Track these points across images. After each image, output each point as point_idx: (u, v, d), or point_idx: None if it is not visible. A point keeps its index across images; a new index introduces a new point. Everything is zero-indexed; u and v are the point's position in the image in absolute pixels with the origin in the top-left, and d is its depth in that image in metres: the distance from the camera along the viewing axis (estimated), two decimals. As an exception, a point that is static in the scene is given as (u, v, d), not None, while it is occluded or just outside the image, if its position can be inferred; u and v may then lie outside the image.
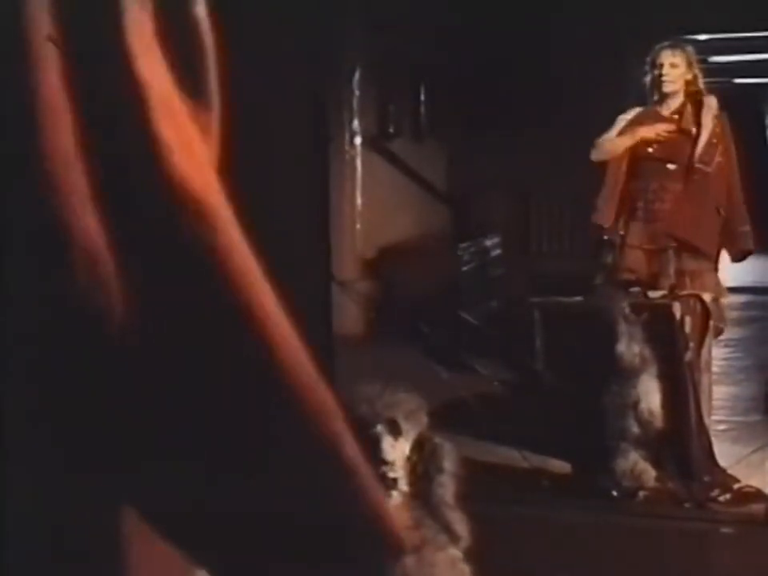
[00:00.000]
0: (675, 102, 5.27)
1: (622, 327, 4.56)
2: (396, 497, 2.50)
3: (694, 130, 5.21)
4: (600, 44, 8.45)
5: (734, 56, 10.62)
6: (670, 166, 5.23)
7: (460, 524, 2.55)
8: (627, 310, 4.59)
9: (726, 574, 4.16)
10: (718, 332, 5.23)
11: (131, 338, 1.38)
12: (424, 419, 2.57)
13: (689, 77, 5.26)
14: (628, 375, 4.56)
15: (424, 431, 2.56)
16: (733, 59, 10.63)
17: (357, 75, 8.16)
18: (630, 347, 4.56)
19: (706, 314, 5.00)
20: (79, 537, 1.44)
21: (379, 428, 2.48)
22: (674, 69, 5.21)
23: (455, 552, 2.54)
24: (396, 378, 2.66)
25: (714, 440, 4.85)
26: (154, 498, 1.44)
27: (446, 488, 2.54)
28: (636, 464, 4.51)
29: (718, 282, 5.26)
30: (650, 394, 4.56)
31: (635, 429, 4.54)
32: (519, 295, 6.52)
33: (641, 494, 4.53)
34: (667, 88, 5.24)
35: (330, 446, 1.43)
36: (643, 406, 4.54)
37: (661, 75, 5.21)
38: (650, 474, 4.54)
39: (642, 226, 5.23)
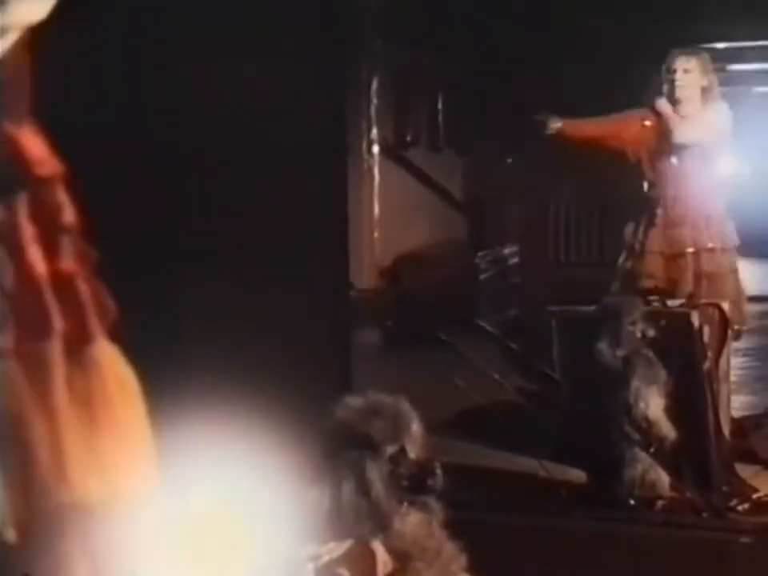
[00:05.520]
0: (689, 108, 5.29)
1: (610, 328, 4.55)
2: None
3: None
4: (616, 52, 8.44)
5: (753, 64, 10.58)
6: (685, 171, 5.28)
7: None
8: (636, 315, 4.58)
9: (745, 583, 4.15)
10: (737, 336, 5.24)
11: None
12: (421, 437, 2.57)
13: (704, 83, 5.28)
14: (615, 379, 4.54)
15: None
16: (751, 67, 10.60)
17: (375, 84, 8.17)
18: (613, 350, 4.54)
19: (724, 323, 5.00)
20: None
21: None
22: (688, 74, 5.25)
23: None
24: (411, 387, 2.67)
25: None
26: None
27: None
28: (647, 473, 4.48)
29: (738, 285, 5.29)
30: (645, 400, 4.52)
31: (635, 435, 4.50)
32: (537, 303, 6.51)
33: (659, 503, 4.51)
34: (680, 93, 5.27)
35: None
36: (637, 411, 4.51)
37: (674, 80, 5.24)
38: (663, 482, 4.51)
39: (661, 231, 5.29)
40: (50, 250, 1.44)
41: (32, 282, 1.41)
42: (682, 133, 5.26)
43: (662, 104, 5.31)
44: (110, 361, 1.49)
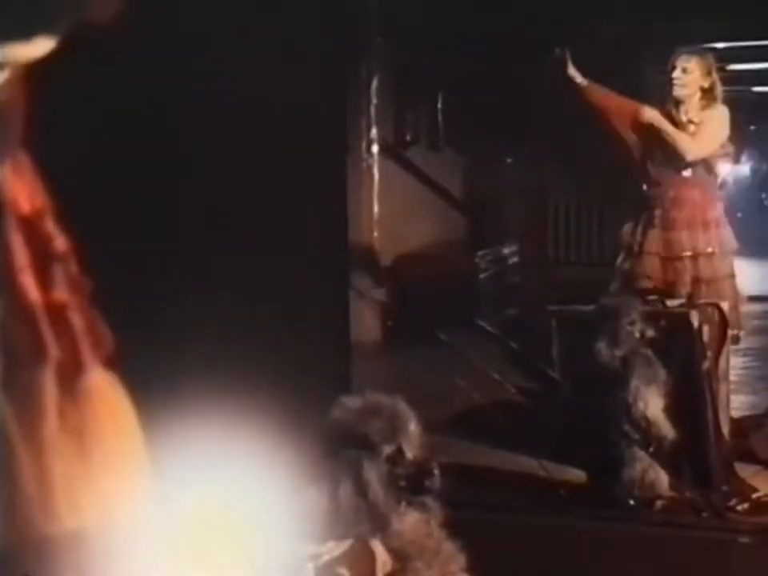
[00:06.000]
0: (688, 108, 5.26)
1: (608, 328, 4.55)
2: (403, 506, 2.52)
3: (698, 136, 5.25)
4: (619, 52, 8.44)
5: (754, 64, 10.58)
6: (685, 174, 5.27)
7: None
8: (635, 315, 4.57)
9: (744, 583, 4.15)
10: (735, 340, 5.22)
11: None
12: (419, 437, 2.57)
13: (705, 84, 5.25)
14: (614, 378, 4.54)
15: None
16: (752, 67, 10.60)
17: (374, 83, 8.17)
18: (611, 350, 4.53)
19: (723, 323, 4.99)
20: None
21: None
22: (686, 74, 5.21)
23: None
24: (411, 387, 2.67)
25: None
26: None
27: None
28: (646, 472, 4.47)
29: (735, 290, 5.27)
30: (644, 400, 4.51)
31: (635, 435, 4.50)
32: (536, 303, 6.51)
33: (658, 503, 4.51)
34: (677, 92, 5.24)
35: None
36: (636, 411, 4.50)
37: (672, 79, 5.22)
38: (662, 482, 4.51)
39: (659, 233, 5.27)
40: (43, 279, 1.42)
41: (25, 310, 1.39)
42: (689, 152, 5.22)
43: (671, 111, 5.29)
44: (104, 391, 1.47)
